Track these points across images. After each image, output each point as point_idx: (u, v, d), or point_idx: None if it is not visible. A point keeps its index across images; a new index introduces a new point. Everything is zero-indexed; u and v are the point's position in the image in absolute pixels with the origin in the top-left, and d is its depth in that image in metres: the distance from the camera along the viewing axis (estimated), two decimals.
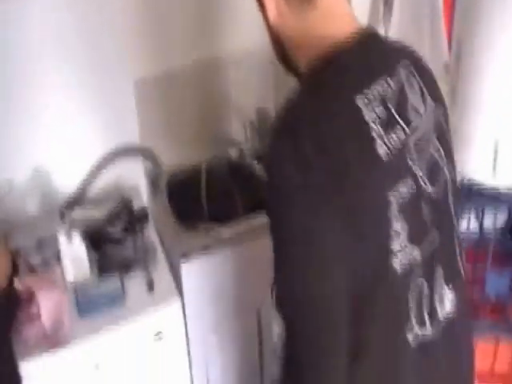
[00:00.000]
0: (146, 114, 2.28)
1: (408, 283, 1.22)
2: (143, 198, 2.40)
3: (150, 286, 2.09)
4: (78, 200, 2.29)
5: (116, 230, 2.19)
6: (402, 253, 1.19)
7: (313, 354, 1.17)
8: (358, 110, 1.13)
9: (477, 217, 1.89)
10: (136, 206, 2.28)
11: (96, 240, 2.13)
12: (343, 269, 1.12)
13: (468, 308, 1.43)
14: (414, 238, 1.20)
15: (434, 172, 1.25)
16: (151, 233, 2.26)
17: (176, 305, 2.09)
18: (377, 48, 1.25)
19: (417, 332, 1.26)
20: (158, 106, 2.31)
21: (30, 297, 1.88)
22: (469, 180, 1.84)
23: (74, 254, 2.01)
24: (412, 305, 1.24)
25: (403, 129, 1.19)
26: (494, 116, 1.81)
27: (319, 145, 1.10)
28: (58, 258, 2.06)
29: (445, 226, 1.30)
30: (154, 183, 2.37)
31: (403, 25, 2.12)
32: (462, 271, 1.39)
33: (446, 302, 1.33)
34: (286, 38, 1.24)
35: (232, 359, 2.44)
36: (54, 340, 1.88)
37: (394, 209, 1.16)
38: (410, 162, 1.20)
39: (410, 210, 1.19)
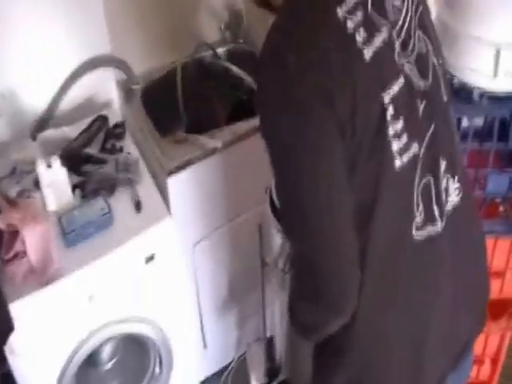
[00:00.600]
0: (116, 21, 2.09)
1: (412, 179, 1.25)
2: (117, 111, 2.25)
3: (138, 206, 1.99)
4: (48, 118, 2.13)
5: (94, 150, 2.06)
6: (404, 151, 1.22)
7: (322, 259, 1.20)
8: (340, 23, 1.13)
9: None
10: (111, 120, 2.15)
11: (74, 162, 2.00)
12: (345, 178, 1.17)
13: (472, 200, 1.47)
14: (414, 135, 1.23)
15: (422, 63, 1.27)
16: (131, 148, 2.12)
17: (167, 224, 2.00)
18: None
19: (424, 226, 1.28)
20: (127, 12, 2.12)
21: (14, 233, 1.78)
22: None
23: (54, 181, 1.89)
24: (419, 201, 1.27)
25: (386, 26, 1.19)
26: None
27: (306, 65, 1.11)
28: (37, 186, 1.94)
29: (440, 118, 1.32)
30: (128, 94, 2.21)
31: None
32: (461, 161, 1.43)
33: (452, 193, 1.36)
34: None
35: (226, 268, 2.40)
36: (43, 276, 1.79)
37: (391, 109, 1.18)
38: (398, 59, 1.21)
39: (406, 107, 1.21)
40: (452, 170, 1.34)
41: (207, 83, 2.30)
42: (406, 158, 1.22)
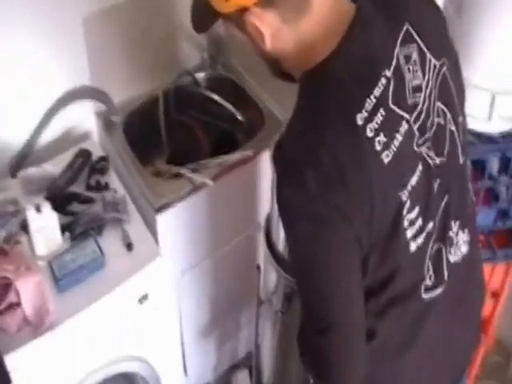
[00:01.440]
0: (96, 51, 2.02)
1: (425, 251, 1.29)
2: (96, 143, 2.17)
3: (129, 247, 1.93)
4: (27, 154, 2.04)
5: (80, 187, 1.99)
6: (418, 234, 1.25)
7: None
8: (360, 131, 1.14)
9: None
10: (93, 153, 2.08)
11: (60, 201, 1.92)
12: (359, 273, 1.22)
13: (477, 242, 1.52)
14: (428, 216, 1.26)
15: (439, 138, 1.28)
16: (115, 183, 2.05)
17: (159, 263, 1.95)
18: (370, 40, 1.19)
19: (433, 289, 1.34)
20: (106, 42, 2.04)
21: (6, 284, 1.70)
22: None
23: (43, 224, 1.81)
24: (429, 266, 1.32)
25: (404, 119, 1.20)
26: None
27: (325, 187, 1.14)
28: (24, 229, 1.86)
29: (455, 182, 1.34)
30: (108, 125, 2.14)
31: None
32: (472, 208, 1.46)
33: (462, 246, 1.40)
34: (281, 55, 1.22)
35: (210, 295, 2.38)
36: (38, 327, 1.72)
37: (408, 204, 1.21)
38: (416, 147, 1.22)
39: (422, 193, 1.24)
40: (463, 225, 1.38)
41: (188, 112, 2.24)
42: (420, 239, 1.27)
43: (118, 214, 1.96)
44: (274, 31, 1.16)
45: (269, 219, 1.90)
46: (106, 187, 2.01)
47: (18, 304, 1.71)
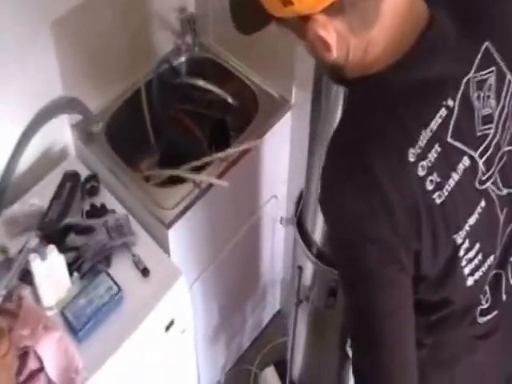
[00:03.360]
0: (65, 56, 1.74)
1: (483, 284, 1.21)
2: (79, 161, 1.90)
3: (145, 272, 1.70)
4: (5, 188, 1.75)
5: (76, 217, 1.73)
6: (477, 268, 1.16)
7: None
8: (410, 166, 1.02)
9: None
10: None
11: (56, 239, 1.68)
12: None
13: None
14: (489, 250, 1.17)
15: (507, 168, 1.16)
16: (112, 203, 1.81)
17: (181, 283, 1.74)
18: (437, 62, 1.04)
19: (488, 313, 1.25)
20: (74, 44, 1.75)
21: (24, 353, 1.46)
22: None
23: (50, 272, 1.56)
24: (486, 292, 1.23)
25: (466, 154, 1.08)
26: None
27: (375, 228, 1.04)
28: (24, 280, 1.61)
29: None
30: (88, 138, 1.87)
31: None
32: None
33: None
34: (345, 63, 1.05)
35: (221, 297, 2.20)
36: None
37: (466, 244, 1.11)
38: (478, 185, 1.11)
39: (484, 229, 1.14)
40: None
41: (174, 105, 1.99)
42: (478, 273, 1.17)
43: (124, 238, 1.72)
44: (341, 41, 1.01)
45: (300, 208, 1.71)
46: (104, 210, 1.77)
47: (39, 370, 1.48)
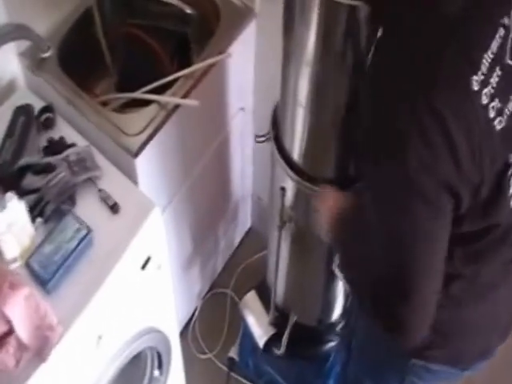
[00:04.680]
0: None
1: None
2: (30, 93, 1.71)
3: (114, 207, 1.58)
4: None
5: (33, 155, 1.58)
6: None
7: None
8: (474, 96, 0.98)
9: None
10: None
11: (13, 182, 1.53)
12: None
13: None
14: None
15: None
16: (71, 135, 1.65)
17: (155, 214, 1.61)
18: None
19: None
20: None
21: None
22: None
23: (11, 221, 1.42)
24: None
25: None
26: None
27: (433, 163, 0.99)
28: None
29: None
30: (39, 65, 1.69)
31: None
32: None
33: None
34: None
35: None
36: (43, 349, 1.38)
37: None
38: None
39: None
40: None
41: (130, 21, 1.80)
42: None
43: (89, 173, 1.58)
44: None
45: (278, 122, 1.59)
46: (64, 144, 1.62)
47: (10, 333, 1.37)
